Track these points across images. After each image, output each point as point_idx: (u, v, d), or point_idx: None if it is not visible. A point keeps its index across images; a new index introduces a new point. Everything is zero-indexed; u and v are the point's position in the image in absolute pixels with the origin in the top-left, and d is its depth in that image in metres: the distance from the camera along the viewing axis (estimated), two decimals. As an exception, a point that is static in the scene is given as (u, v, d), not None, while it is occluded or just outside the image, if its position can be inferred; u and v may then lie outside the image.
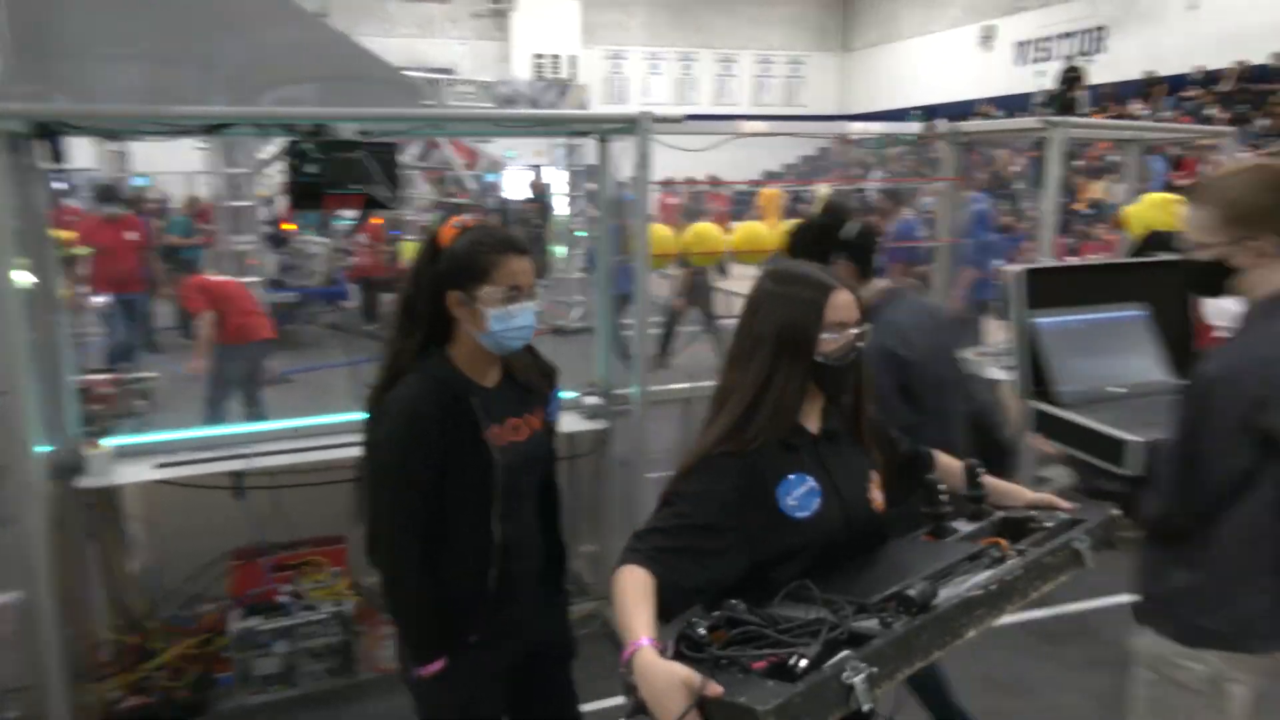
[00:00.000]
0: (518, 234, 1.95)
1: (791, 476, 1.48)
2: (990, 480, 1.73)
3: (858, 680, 1.15)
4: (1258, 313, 1.74)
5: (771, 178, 16.13)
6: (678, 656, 1.24)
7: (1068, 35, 18.23)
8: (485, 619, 1.84)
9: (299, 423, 3.45)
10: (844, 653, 1.19)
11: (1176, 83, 15.42)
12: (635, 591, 1.34)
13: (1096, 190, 13.57)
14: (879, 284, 2.56)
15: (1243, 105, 13.90)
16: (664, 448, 3.56)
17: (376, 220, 10.12)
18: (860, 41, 24.58)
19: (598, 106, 18.97)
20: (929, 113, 4.46)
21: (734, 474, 1.45)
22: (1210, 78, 14.95)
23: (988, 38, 20.04)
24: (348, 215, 9.93)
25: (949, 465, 1.78)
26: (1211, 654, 1.76)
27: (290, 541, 3.36)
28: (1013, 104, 17.26)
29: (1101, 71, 16.66)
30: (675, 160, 3.64)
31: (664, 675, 1.19)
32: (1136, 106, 15.36)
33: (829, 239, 2.43)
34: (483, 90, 14.35)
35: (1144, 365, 2.25)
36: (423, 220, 10.06)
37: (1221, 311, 2.04)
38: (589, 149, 3.53)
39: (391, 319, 1.86)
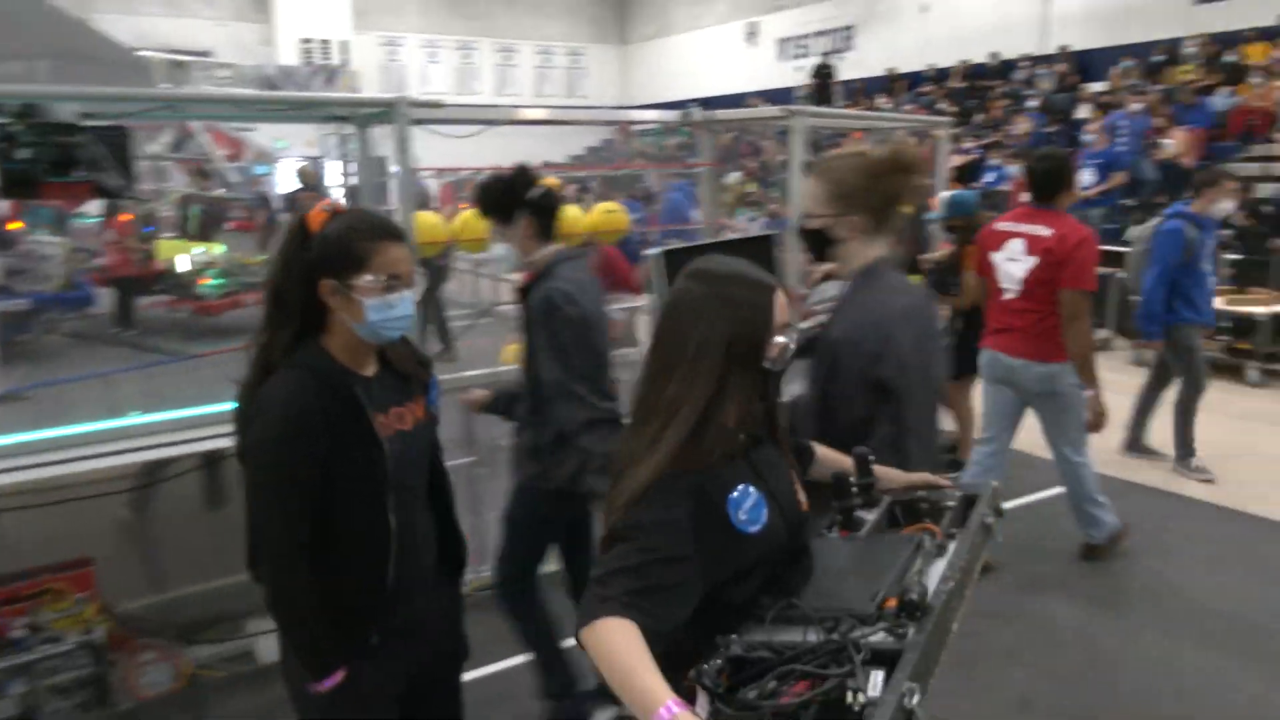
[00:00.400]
0: (391, 220, 1.84)
1: (738, 490, 1.38)
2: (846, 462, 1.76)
3: (917, 704, 1.09)
4: (859, 282, 2.04)
5: (551, 167, 16.25)
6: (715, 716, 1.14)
7: (821, 33, 19.67)
8: (385, 617, 1.75)
9: (27, 438, 3.11)
10: (898, 676, 1.12)
11: (915, 79, 17.08)
12: (631, 649, 1.17)
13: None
14: (553, 247, 2.70)
15: (971, 100, 15.62)
16: (449, 436, 3.53)
17: (125, 217, 9.21)
18: (637, 35, 25.23)
19: (372, 94, 18.25)
20: (704, 104, 4.69)
21: (687, 495, 1.33)
22: (941, 74, 16.67)
23: (753, 34, 21.23)
24: (90, 212, 8.94)
25: (828, 454, 1.77)
26: None
27: (24, 570, 3.03)
28: (778, 97, 18.37)
29: (852, 68, 18.14)
30: (456, 149, 3.61)
31: None
32: (881, 100, 16.85)
33: (514, 197, 2.59)
34: (240, 75, 13.39)
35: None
36: (177, 215, 9.26)
37: (823, 292, 2.31)
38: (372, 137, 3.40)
39: (261, 311, 1.73)
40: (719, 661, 1.20)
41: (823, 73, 17.57)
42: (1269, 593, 3.82)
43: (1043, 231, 3.74)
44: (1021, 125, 13.32)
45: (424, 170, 4.52)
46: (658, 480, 1.31)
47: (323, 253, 1.65)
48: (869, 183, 1.99)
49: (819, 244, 2.08)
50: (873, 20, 18.57)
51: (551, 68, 24.65)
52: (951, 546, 1.48)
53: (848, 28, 19.10)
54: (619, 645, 1.17)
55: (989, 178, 12.40)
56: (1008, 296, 3.88)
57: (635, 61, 25.39)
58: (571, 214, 3.89)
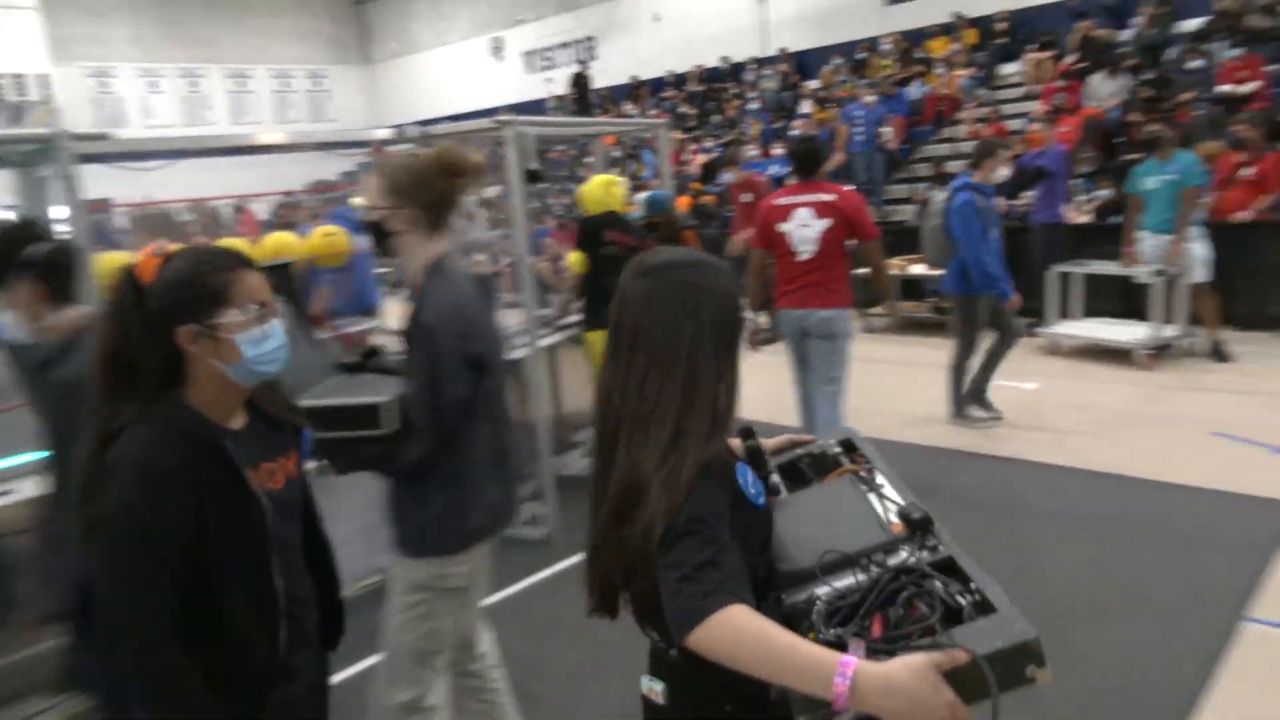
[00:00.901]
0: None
1: (737, 467, 1.38)
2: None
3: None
4: (430, 275, 2.20)
5: (259, 196, 15.46)
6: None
7: (565, 45, 20.11)
8: (277, 690, 1.59)
9: None
10: (977, 573, 1.26)
11: (657, 85, 17.88)
12: (772, 627, 1.15)
13: (608, 182, 15.25)
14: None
15: (710, 101, 16.57)
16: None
17: None
18: (381, 53, 24.58)
19: (82, 129, 16.52)
20: (456, 120, 4.73)
21: (722, 482, 1.33)
22: (680, 79, 17.56)
23: (498, 48, 21.32)
24: None
25: None
26: (472, 552, 2.23)
27: None
28: (530, 109, 18.58)
29: (598, 77, 18.68)
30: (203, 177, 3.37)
31: (909, 673, 1.08)
32: (628, 106, 17.49)
33: (6, 258, 2.19)
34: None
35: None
36: None
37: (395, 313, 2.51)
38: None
39: (95, 384, 1.49)
40: (821, 613, 1.25)
41: (580, 82, 18.01)
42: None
43: (825, 197, 4.41)
44: (754, 127, 14.30)
45: (120, 207, 4.19)
46: (700, 473, 1.28)
47: (173, 298, 1.48)
48: (418, 181, 2.14)
49: (379, 236, 2.21)
50: (611, 30, 19.23)
51: (292, 91, 23.46)
52: (879, 477, 1.60)
53: (589, 39, 19.65)
54: (759, 627, 1.15)
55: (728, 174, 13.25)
56: (802, 258, 4.43)
57: (382, 81, 24.72)
58: (282, 240, 3.76)
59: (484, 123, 4.18)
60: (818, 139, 4.89)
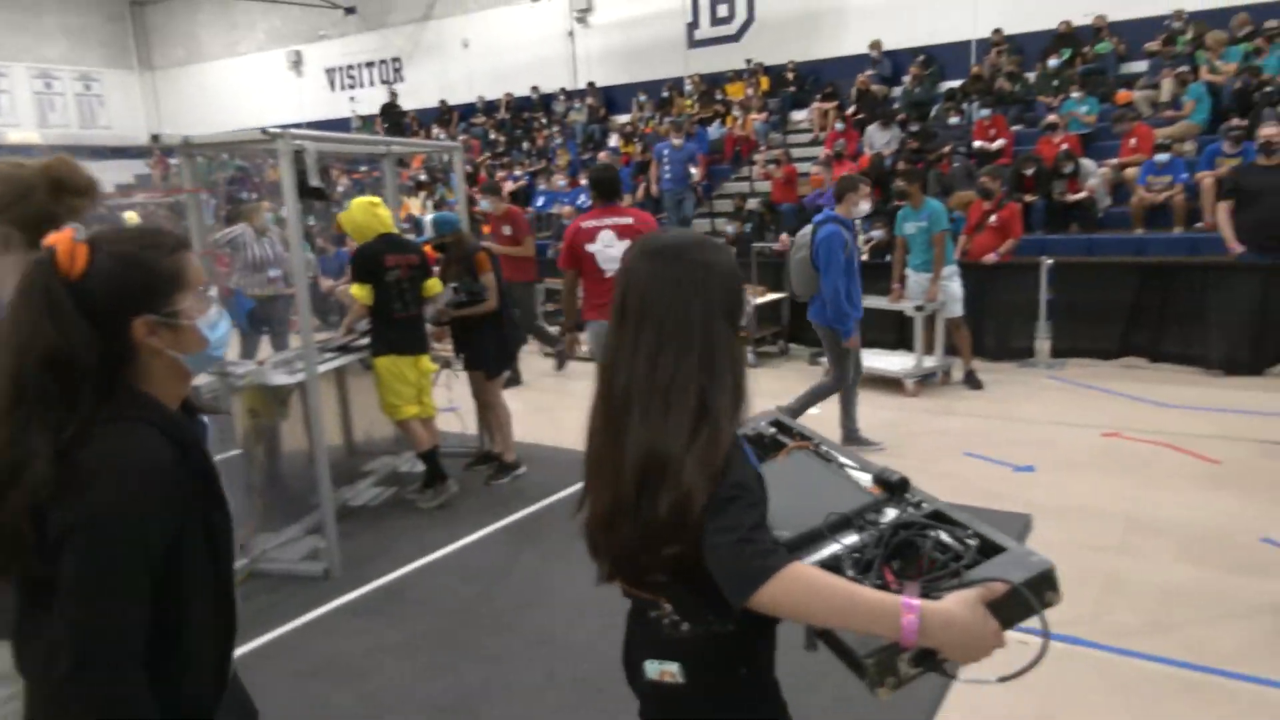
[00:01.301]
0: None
1: (736, 434, 1.39)
2: None
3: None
4: None
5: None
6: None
7: (370, 64, 19.53)
8: (222, 712, 1.44)
9: None
10: (970, 522, 1.44)
11: (467, 110, 17.72)
12: (833, 578, 1.25)
13: (412, 206, 14.87)
14: None
15: (516, 129, 16.60)
16: None
17: None
18: (164, 60, 22.82)
19: None
20: None
21: (745, 451, 1.38)
22: (490, 106, 17.50)
23: (298, 63, 20.37)
24: None
25: None
26: None
27: None
28: (332, 128, 17.85)
29: (407, 99, 18.26)
30: None
31: (963, 606, 1.22)
32: (437, 131, 17.21)
33: None
34: None
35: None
36: None
37: None
38: None
39: (27, 389, 1.27)
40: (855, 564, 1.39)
41: (393, 107, 17.67)
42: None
43: (625, 220, 4.91)
44: (563, 157, 14.48)
45: None
46: (730, 446, 1.33)
47: (123, 288, 1.31)
48: (18, 194, 1.80)
49: None
50: (418, 53, 18.88)
51: (56, 94, 21.27)
52: (827, 449, 1.77)
53: (396, 59, 19.19)
54: (826, 579, 1.23)
55: (539, 201, 13.31)
56: (609, 274, 4.79)
57: (165, 89, 22.92)
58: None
59: (251, 132, 3.95)
60: (614, 168, 5.23)
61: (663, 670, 1.43)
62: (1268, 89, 9.78)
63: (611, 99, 16.46)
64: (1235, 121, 9.25)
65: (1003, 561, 1.34)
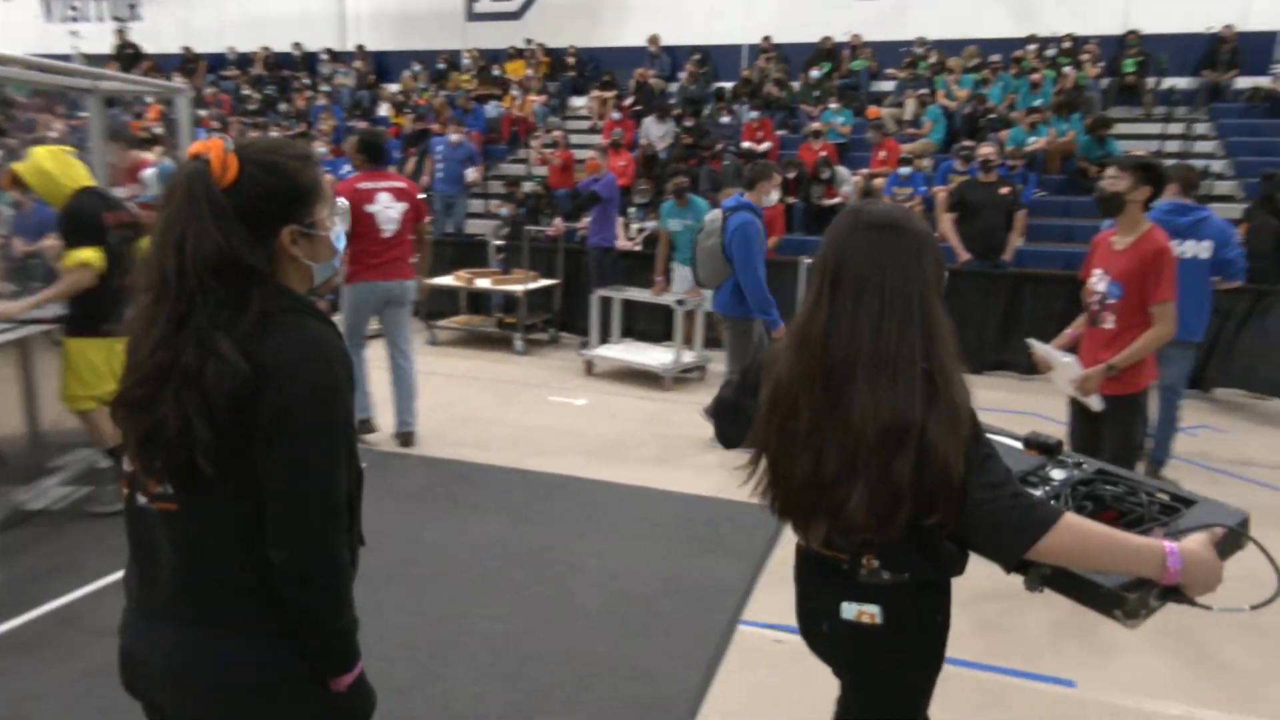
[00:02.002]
0: None
1: None
2: None
3: None
4: None
5: None
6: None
7: (98, -3, 17.13)
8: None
9: None
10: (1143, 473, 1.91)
11: (216, 61, 15.97)
12: (1100, 525, 1.45)
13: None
14: None
15: (271, 86, 15.18)
16: None
17: None
18: None
19: None
20: None
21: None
22: (244, 60, 15.90)
23: (7, -14, 17.48)
24: None
25: None
26: None
27: None
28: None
29: (144, 42, 16.17)
30: None
31: (1204, 547, 1.43)
32: (178, 80, 15.37)
33: None
34: None
35: None
36: None
37: None
38: None
39: (192, 298, 1.28)
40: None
41: (127, 45, 15.45)
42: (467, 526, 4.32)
43: (398, 184, 5.16)
44: (326, 122, 13.39)
45: None
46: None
47: (271, 196, 1.34)
48: None
49: None
50: (159, -10, 16.80)
51: None
52: None
53: (132, -5, 16.96)
54: (1096, 527, 1.41)
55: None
56: (386, 235, 5.02)
57: None
58: None
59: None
60: (383, 133, 5.69)
61: (861, 611, 1.53)
62: (991, 115, 10.90)
63: (383, 65, 15.50)
64: (965, 142, 10.21)
65: (1206, 509, 1.60)
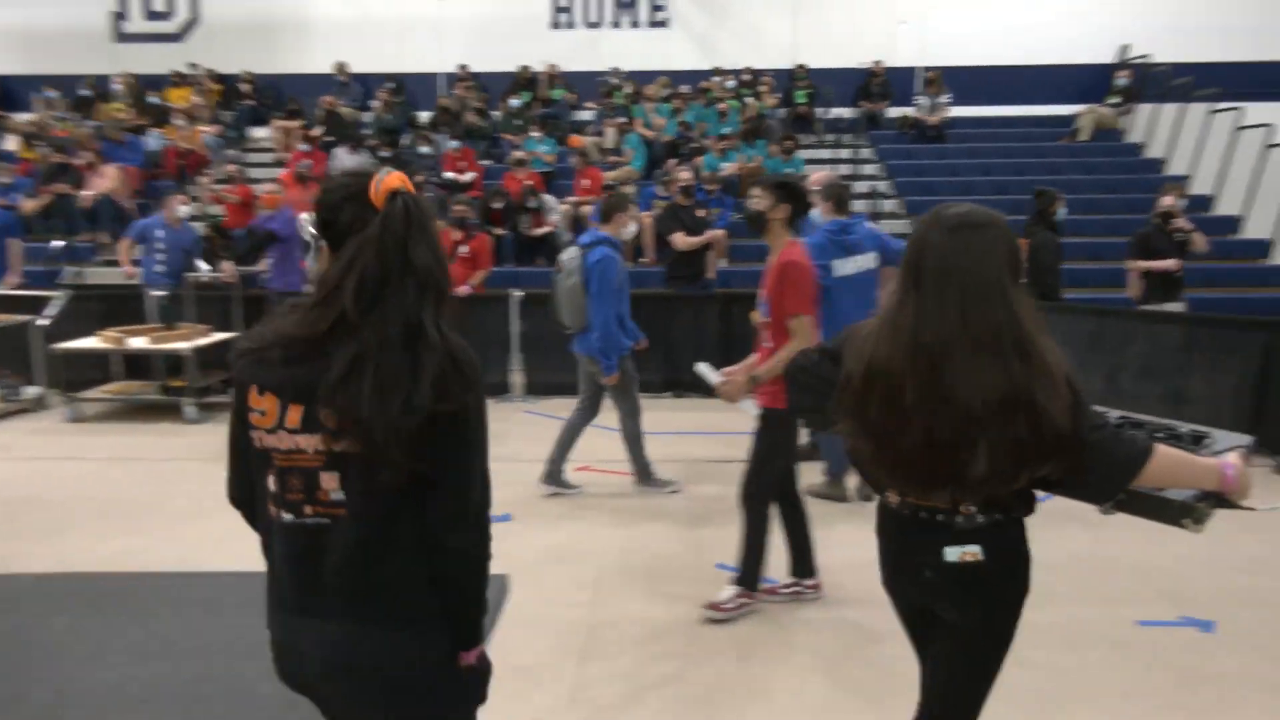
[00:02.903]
0: None
1: None
2: None
3: None
4: None
5: None
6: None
7: None
8: None
9: None
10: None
11: None
12: (1176, 450, 1.77)
13: None
14: None
15: None
16: None
17: None
18: None
19: None
20: None
21: None
22: None
23: None
24: None
25: None
26: None
27: None
28: None
29: None
30: None
31: (1242, 460, 1.76)
32: None
33: None
34: None
35: None
36: None
37: None
38: None
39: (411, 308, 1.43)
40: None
41: None
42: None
43: None
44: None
45: None
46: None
47: (425, 220, 1.47)
48: None
49: None
50: None
51: None
52: None
53: None
54: (1174, 453, 1.74)
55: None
56: None
57: None
58: None
59: None
60: None
61: (964, 552, 1.75)
62: (693, 143, 11.30)
63: (9, 92, 13.12)
64: (669, 165, 10.43)
65: (1222, 436, 1.92)
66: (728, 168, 10.69)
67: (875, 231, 5.06)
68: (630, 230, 5.10)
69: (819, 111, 12.80)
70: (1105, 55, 12.90)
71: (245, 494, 1.55)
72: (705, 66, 13.21)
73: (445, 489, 1.44)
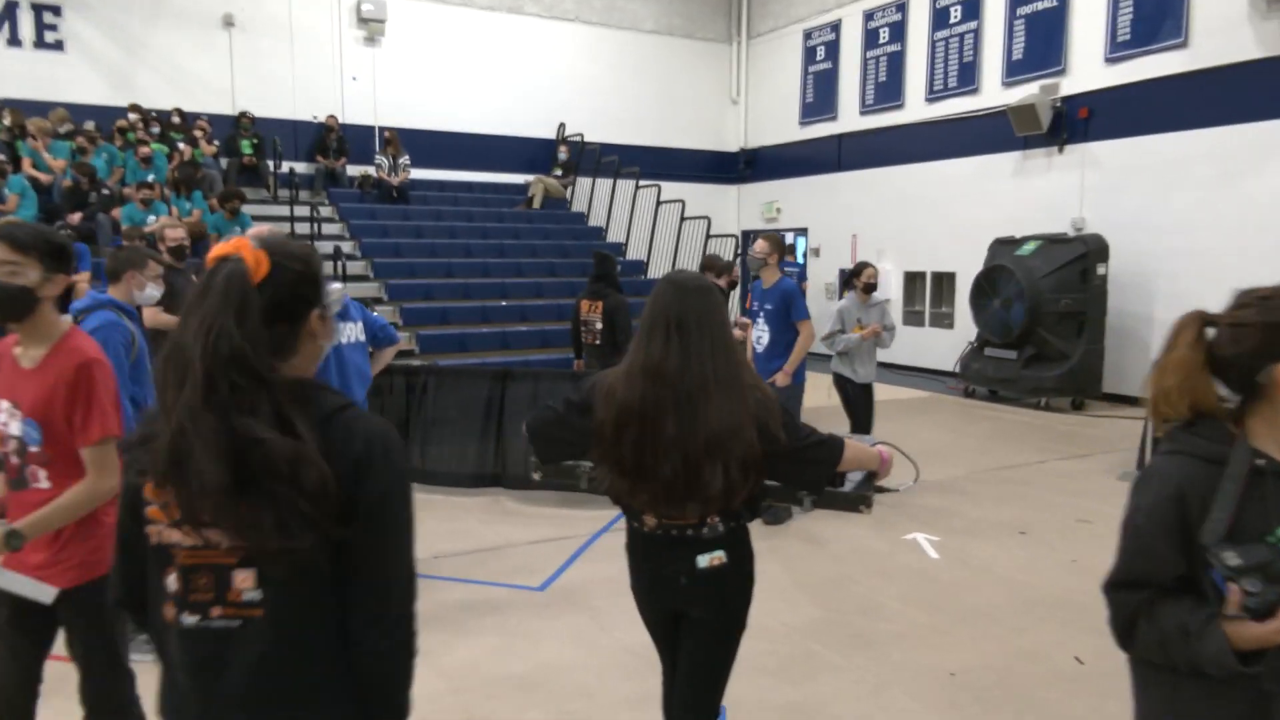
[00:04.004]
0: None
1: None
2: None
3: None
4: None
5: None
6: None
7: None
8: None
9: None
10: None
11: None
12: (851, 439, 2.26)
13: None
14: None
15: None
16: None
17: None
18: None
19: None
20: None
21: None
22: None
23: None
24: None
25: None
26: None
27: None
28: None
29: None
30: None
31: (888, 449, 2.33)
32: None
33: None
34: None
35: None
36: None
37: None
38: None
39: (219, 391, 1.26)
40: None
41: None
42: None
43: None
44: None
45: None
46: None
47: (309, 286, 1.42)
48: None
49: None
50: None
51: None
52: None
53: None
54: (853, 442, 2.22)
55: None
56: None
57: None
58: None
59: None
60: None
61: (712, 558, 2.12)
62: (105, 190, 9.17)
63: None
64: (72, 218, 8.29)
65: (863, 437, 2.66)
66: (155, 222, 8.87)
67: (352, 303, 4.28)
68: (151, 294, 3.91)
69: (270, 164, 11.55)
70: (548, 132, 13.93)
71: (132, 595, 1.43)
72: (120, 103, 11.05)
73: (369, 585, 1.36)
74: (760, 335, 5.73)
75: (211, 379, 1.26)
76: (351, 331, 3.99)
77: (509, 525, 5.52)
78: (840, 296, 7.36)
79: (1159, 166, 9.41)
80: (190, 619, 1.32)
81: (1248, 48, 8.62)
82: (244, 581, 1.30)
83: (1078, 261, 9.34)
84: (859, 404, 6.25)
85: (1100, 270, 9.34)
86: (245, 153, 11.45)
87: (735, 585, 2.17)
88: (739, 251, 12.66)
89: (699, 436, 1.97)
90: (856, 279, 6.37)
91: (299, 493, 1.24)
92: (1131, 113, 9.65)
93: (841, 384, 6.28)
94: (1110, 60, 9.87)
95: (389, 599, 1.36)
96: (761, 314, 5.74)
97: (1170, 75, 9.27)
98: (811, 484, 2.20)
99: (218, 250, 1.34)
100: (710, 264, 6.18)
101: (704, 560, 2.11)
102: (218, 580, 1.31)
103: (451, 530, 5.37)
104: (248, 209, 10.39)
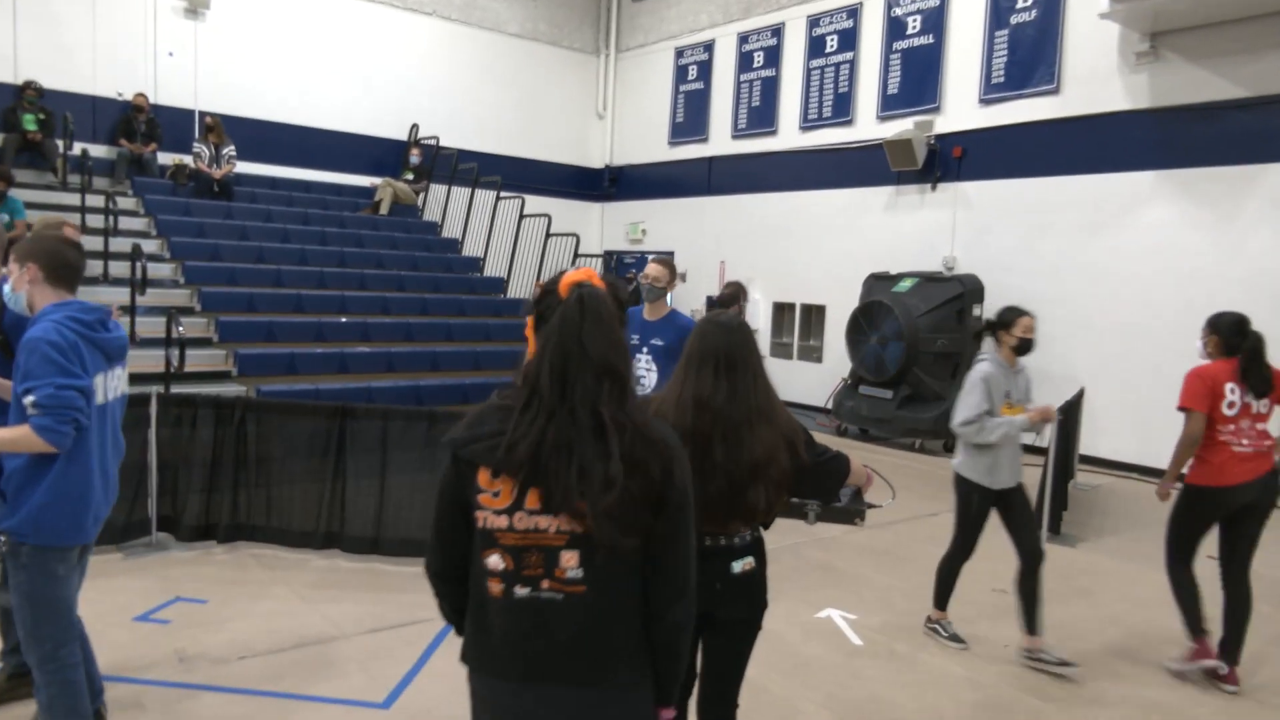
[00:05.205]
0: None
1: None
2: None
3: None
4: None
5: None
6: None
7: None
8: None
9: None
10: None
11: None
12: (839, 456, 2.57)
13: None
14: None
15: None
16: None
17: None
18: None
19: None
20: None
21: None
22: None
23: None
24: None
25: None
26: None
27: None
28: None
29: None
30: None
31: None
32: None
33: None
34: None
35: None
36: None
37: None
38: None
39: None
40: None
41: None
42: None
43: None
44: None
45: None
46: None
47: (602, 311, 1.66)
48: None
49: None
50: None
51: None
52: None
53: None
54: (841, 456, 2.52)
55: None
56: None
57: None
58: None
59: None
60: None
61: (744, 563, 2.36)
62: None
63: None
64: None
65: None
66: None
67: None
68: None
69: (59, 144, 9.74)
70: (399, 132, 12.70)
71: (448, 569, 1.70)
72: None
73: (670, 563, 1.66)
74: (643, 375, 4.81)
75: (598, 385, 1.60)
76: (119, 382, 2.80)
77: (344, 604, 4.43)
78: (972, 357, 4.55)
79: (1029, 210, 9.43)
80: (522, 591, 1.60)
81: (1117, 99, 8.74)
82: (569, 561, 1.59)
83: (954, 301, 9.19)
84: (978, 519, 4.19)
85: (976, 311, 9.20)
86: (29, 129, 9.61)
87: (760, 587, 2.43)
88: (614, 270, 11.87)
89: (744, 463, 2.24)
90: (1005, 331, 4.11)
91: (650, 486, 1.59)
92: (1004, 155, 9.65)
93: (968, 493, 4.15)
94: (984, 101, 9.86)
95: (688, 580, 1.70)
96: (647, 349, 4.85)
97: (1042, 120, 9.32)
98: (828, 493, 2.54)
99: (572, 277, 1.67)
100: (736, 294, 6.32)
101: (738, 566, 2.36)
102: (547, 559, 1.59)
103: (269, 612, 4.23)
104: (27, 194, 8.65)
